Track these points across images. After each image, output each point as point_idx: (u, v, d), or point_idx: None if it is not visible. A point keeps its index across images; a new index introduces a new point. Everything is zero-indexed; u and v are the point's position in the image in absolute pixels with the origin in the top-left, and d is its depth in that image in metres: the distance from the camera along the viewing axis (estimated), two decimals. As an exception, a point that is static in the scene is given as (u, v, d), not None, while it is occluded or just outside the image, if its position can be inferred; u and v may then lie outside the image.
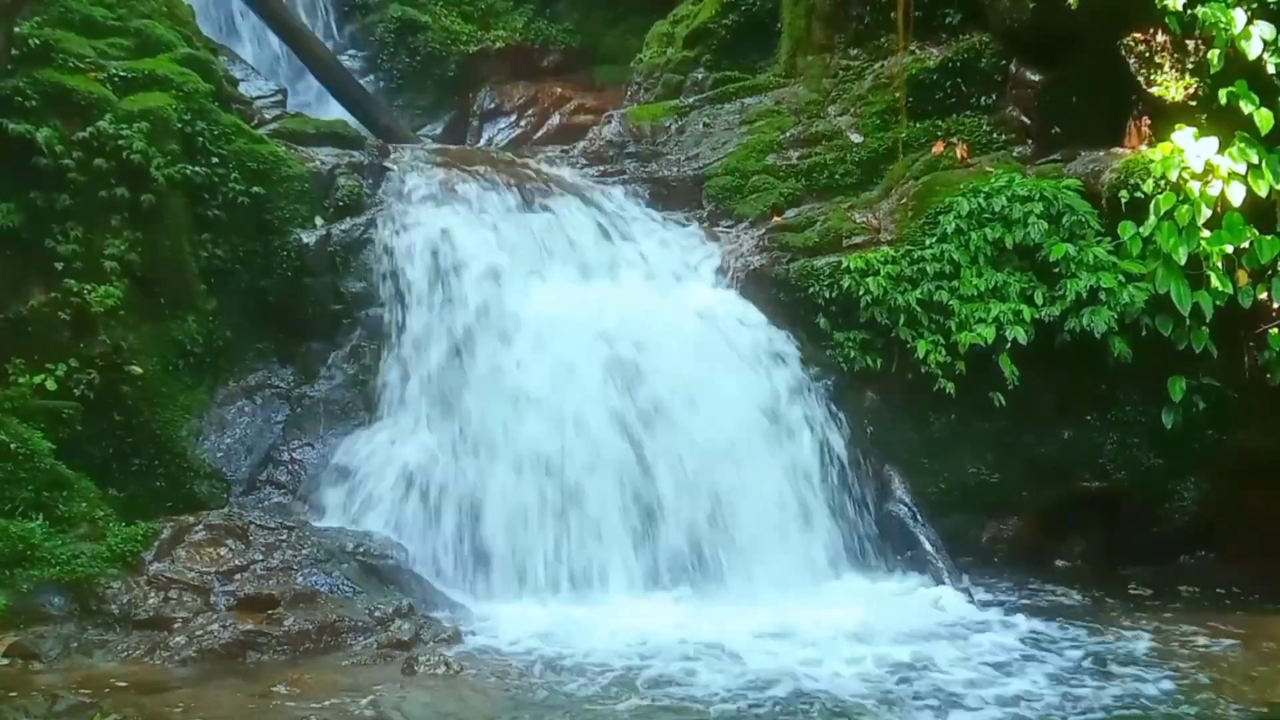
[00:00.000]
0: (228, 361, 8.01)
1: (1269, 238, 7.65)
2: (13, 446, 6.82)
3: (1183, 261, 7.71)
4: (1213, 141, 7.76)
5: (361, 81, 12.11)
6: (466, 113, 13.36)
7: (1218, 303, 7.68)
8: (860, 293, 8.10)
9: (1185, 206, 7.72)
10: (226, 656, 6.14)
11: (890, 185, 9.00)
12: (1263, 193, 7.64)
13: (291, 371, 8.13)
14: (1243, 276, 7.70)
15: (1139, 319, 7.85)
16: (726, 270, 8.53)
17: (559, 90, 13.28)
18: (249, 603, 6.47)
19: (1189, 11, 7.84)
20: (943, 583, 7.54)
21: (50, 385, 7.19)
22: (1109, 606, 7.43)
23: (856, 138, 9.61)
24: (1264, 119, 7.67)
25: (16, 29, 7.53)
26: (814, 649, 6.45)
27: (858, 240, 8.55)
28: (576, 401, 7.67)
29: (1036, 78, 8.96)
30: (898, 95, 9.44)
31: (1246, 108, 7.69)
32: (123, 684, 5.78)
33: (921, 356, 7.96)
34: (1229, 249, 7.65)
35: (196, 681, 5.87)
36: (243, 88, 9.64)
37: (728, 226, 9.17)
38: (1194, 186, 7.71)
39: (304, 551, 6.81)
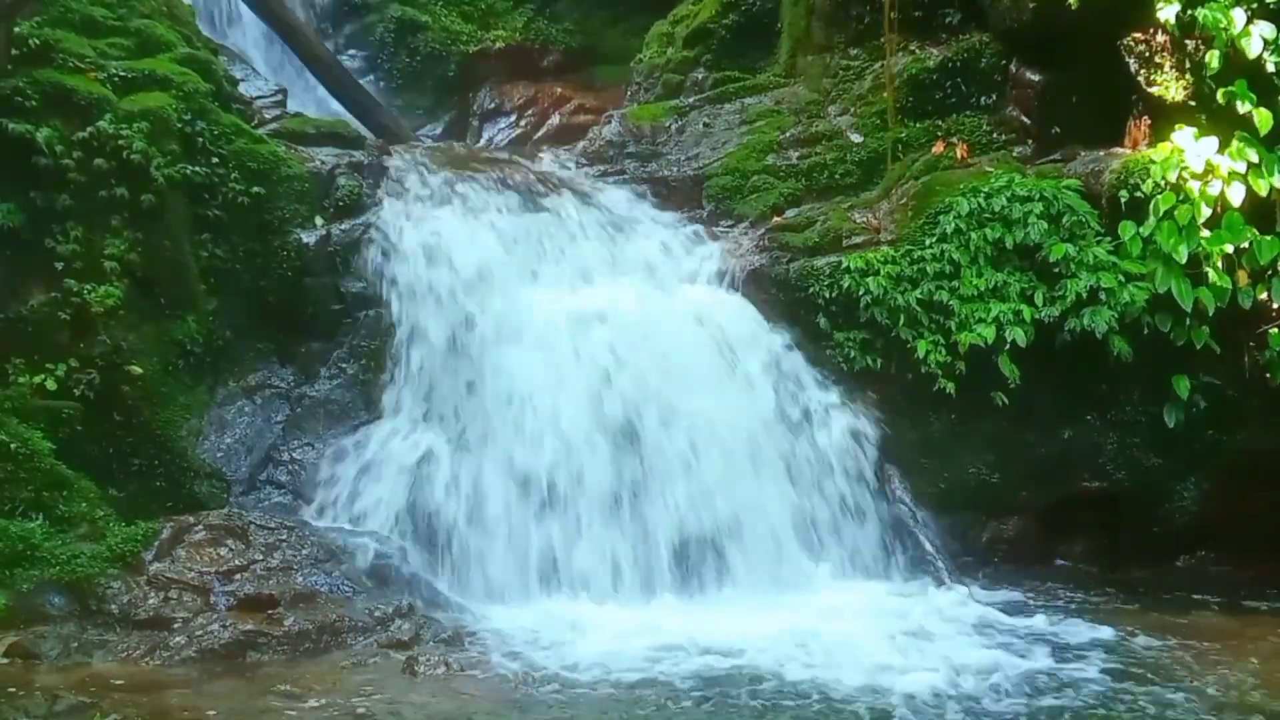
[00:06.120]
0: (228, 361, 8.00)
1: (1269, 238, 7.64)
2: (13, 446, 6.82)
3: (1183, 261, 7.70)
4: (1212, 141, 7.76)
5: (361, 81, 12.10)
6: (466, 113, 13.35)
7: (1219, 303, 7.68)
8: (860, 293, 8.11)
9: (1185, 206, 7.72)
10: (226, 656, 6.14)
11: (890, 185, 9.00)
12: (1263, 192, 7.64)
13: (291, 371, 8.12)
14: (1243, 277, 7.69)
15: (1139, 318, 7.85)
16: (726, 270, 8.53)
17: (559, 90, 13.25)
18: (249, 603, 6.48)
19: (1188, 13, 7.85)
20: (943, 583, 7.53)
21: (50, 385, 7.18)
22: (1110, 607, 7.41)
23: (856, 138, 9.62)
24: (1263, 118, 7.66)
25: (16, 29, 7.53)
26: (813, 649, 6.44)
27: (858, 240, 8.55)
28: (576, 402, 7.68)
29: (1036, 78, 8.95)
30: (886, 96, 9.46)
31: (1245, 107, 7.69)
32: (123, 684, 5.78)
33: (921, 356, 7.97)
34: (1229, 249, 7.65)
35: (196, 681, 5.87)
36: (243, 88, 9.64)
37: (728, 226, 9.17)
38: (1194, 186, 7.71)
39: (304, 551, 6.81)
